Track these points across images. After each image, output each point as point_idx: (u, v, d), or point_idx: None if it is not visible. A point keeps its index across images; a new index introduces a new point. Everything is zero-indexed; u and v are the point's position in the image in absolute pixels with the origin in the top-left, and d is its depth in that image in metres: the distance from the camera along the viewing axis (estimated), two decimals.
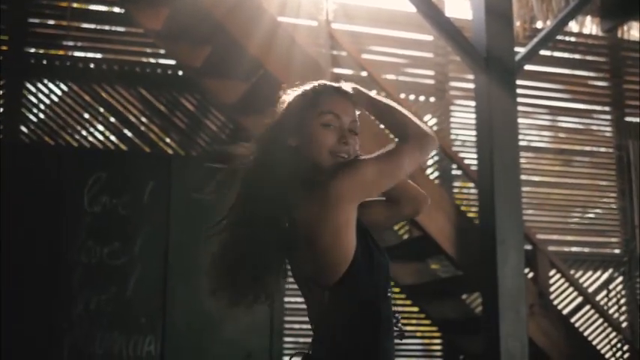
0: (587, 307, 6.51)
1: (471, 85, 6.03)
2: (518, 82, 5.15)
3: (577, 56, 7.23)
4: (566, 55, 7.17)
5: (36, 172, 5.05)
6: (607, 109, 7.21)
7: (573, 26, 7.17)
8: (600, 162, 7.10)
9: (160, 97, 6.00)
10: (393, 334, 1.95)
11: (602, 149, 7.14)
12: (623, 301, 6.64)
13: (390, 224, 2.17)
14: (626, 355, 6.29)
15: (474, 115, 5.32)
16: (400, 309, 6.40)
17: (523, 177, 5.80)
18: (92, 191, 5.11)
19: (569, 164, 7.05)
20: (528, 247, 5.39)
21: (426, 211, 2.22)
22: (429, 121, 6.61)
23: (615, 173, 7.05)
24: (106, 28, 5.99)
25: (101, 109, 5.88)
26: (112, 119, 5.91)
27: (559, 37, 6.69)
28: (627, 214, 6.92)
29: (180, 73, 5.99)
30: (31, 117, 5.73)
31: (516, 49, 4.98)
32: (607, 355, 6.16)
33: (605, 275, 6.84)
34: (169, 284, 5.13)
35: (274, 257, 2.05)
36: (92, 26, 5.97)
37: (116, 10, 5.96)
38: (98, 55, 5.97)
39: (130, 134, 5.91)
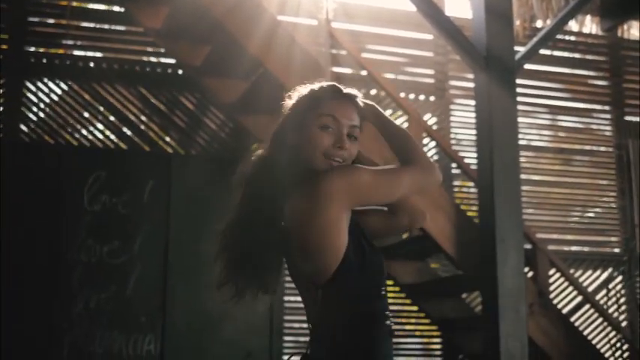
0: (587, 306, 6.51)
1: (471, 84, 6.03)
2: (518, 81, 5.15)
3: (577, 55, 7.22)
4: (566, 54, 7.16)
5: (36, 170, 5.06)
6: (607, 108, 7.21)
7: (573, 25, 7.17)
8: (600, 161, 7.10)
9: (159, 96, 6.00)
10: (387, 332, 1.94)
11: (602, 148, 7.14)
12: (622, 300, 6.64)
13: (388, 234, 2.17)
14: (625, 355, 6.29)
15: (473, 114, 5.32)
16: (400, 308, 6.36)
17: (523, 176, 5.80)
18: (92, 190, 5.12)
19: (569, 163, 7.05)
20: (528, 246, 5.39)
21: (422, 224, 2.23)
22: (429, 120, 6.60)
23: (615, 172, 7.05)
24: (106, 27, 5.99)
25: (101, 108, 5.88)
26: (112, 118, 5.91)
27: (559, 36, 6.69)
28: (627, 213, 6.92)
29: (180, 72, 5.99)
30: (31, 116, 5.73)
31: (516, 48, 4.98)
32: (607, 355, 6.16)
33: (605, 274, 6.84)
34: (169, 283, 5.13)
35: (272, 256, 2.05)
36: (92, 25, 5.97)
37: (116, 8, 5.95)
38: (98, 54, 5.97)
39: (129, 133, 5.91)
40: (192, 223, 5.24)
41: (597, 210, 7.03)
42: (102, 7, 6.00)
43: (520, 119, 5.58)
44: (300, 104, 2.06)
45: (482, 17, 4.80)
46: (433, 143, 6.33)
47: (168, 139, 5.99)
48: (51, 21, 5.93)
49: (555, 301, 6.40)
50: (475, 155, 5.06)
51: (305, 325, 2.05)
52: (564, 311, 6.37)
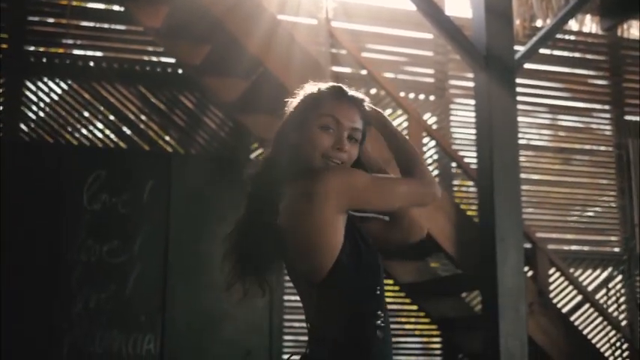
0: (587, 305, 6.51)
1: (471, 84, 6.03)
2: (518, 80, 5.15)
3: (577, 55, 7.22)
4: (565, 53, 7.16)
5: (36, 170, 5.05)
6: (607, 107, 7.20)
7: (573, 25, 7.16)
8: (600, 160, 7.09)
9: (159, 95, 6.00)
10: (382, 331, 1.93)
11: (602, 148, 7.14)
12: (622, 299, 6.64)
13: (386, 245, 2.14)
14: (625, 354, 6.28)
15: (473, 114, 5.32)
16: (399, 307, 6.36)
17: (523, 175, 5.80)
18: (92, 189, 5.12)
19: (568, 163, 7.04)
20: (528, 245, 5.39)
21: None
22: (429, 120, 6.60)
23: (615, 172, 7.05)
24: (106, 26, 5.99)
25: (101, 108, 5.88)
26: (112, 117, 5.90)
27: (559, 36, 6.68)
28: (627, 213, 6.92)
29: (180, 71, 5.99)
30: (31, 115, 5.73)
31: (516, 47, 4.98)
32: (606, 354, 6.16)
33: (605, 274, 6.84)
34: (169, 282, 5.13)
35: (271, 256, 2.05)
36: (92, 24, 5.97)
37: (115, 8, 5.95)
38: (98, 54, 5.97)
39: (129, 132, 5.91)
40: (192, 222, 5.24)
41: (597, 209, 7.03)
42: (102, 6, 6.00)
43: (520, 118, 5.58)
44: (303, 103, 2.05)
45: (482, 16, 4.81)
46: (433, 143, 6.33)
47: (168, 138, 5.99)
48: (51, 20, 5.93)
49: (555, 301, 6.40)
50: (475, 154, 5.06)
51: (305, 325, 2.04)
52: (564, 310, 6.38)
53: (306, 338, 2.00)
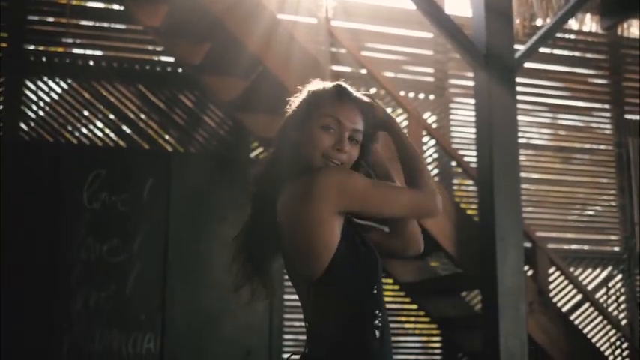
0: (587, 304, 6.51)
1: (471, 83, 6.03)
2: (518, 79, 5.15)
3: (577, 54, 7.22)
4: (565, 52, 7.16)
5: (36, 169, 5.05)
6: (607, 106, 7.20)
7: (573, 24, 7.16)
8: (600, 159, 7.09)
9: (159, 94, 6.00)
10: (380, 331, 1.92)
11: (602, 147, 7.14)
12: (622, 298, 6.64)
13: (384, 254, 2.11)
14: (625, 353, 6.28)
15: (473, 113, 5.32)
16: (399, 306, 6.35)
17: (522, 174, 5.80)
18: (92, 188, 5.11)
19: (568, 162, 7.04)
20: (528, 244, 5.39)
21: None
22: (429, 119, 6.60)
23: (615, 171, 7.05)
24: (106, 25, 5.98)
25: (101, 107, 5.88)
26: (112, 116, 5.90)
27: (559, 35, 6.68)
28: (627, 212, 6.92)
29: (180, 70, 5.99)
30: (31, 114, 5.73)
31: (516, 46, 4.98)
32: (606, 353, 6.16)
33: (605, 273, 6.84)
34: (169, 281, 5.13)
35: (274, 255, 2.05)
36: (91, 23, 5.97)
37: (115, 7, 5.95)
38: (97, 53, 5.97)
39: (129, 131, 5.91)
40: (191, 221, 5.24)
41: (597, 208, 7.03)
42: (101, 5, 6.00)
43: (520, 117, 5.58)
44: (305, 102, 2.05)
45: (482, 15, 4.81)
46: (433, 142, 6.33)
47: (167, 137, 5.99)
48: (51, 19, 5.93)
49: (555, 300, 6.40)
50: (475, 154, 5.06)
51: (304, 324, 2.04)
52: (564, 309, 6.38)
53: (305, 337, 2.00)
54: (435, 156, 6.59)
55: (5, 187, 4.90)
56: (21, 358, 4.78)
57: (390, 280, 5.99)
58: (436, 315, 6.09)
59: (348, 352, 1.89)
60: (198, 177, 5.34)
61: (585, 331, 6.44)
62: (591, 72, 7.28)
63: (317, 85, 2.08)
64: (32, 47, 5.83)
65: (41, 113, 5.76)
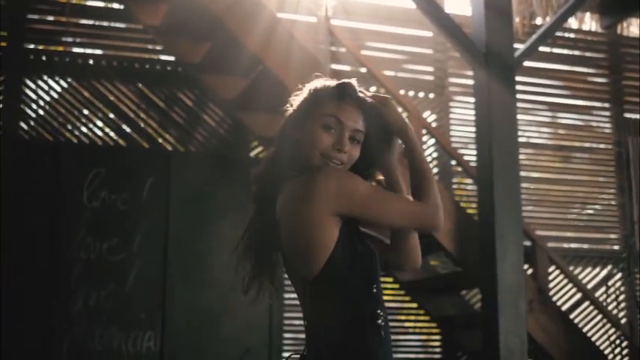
0: (587, 303, 6.51)
1: (471, 82, 6.03)
2: (518, 78, 5.15)
3: (576, 52, 7.22)
4: (565, 51, 7.16)
5: (35, 168, 5.05)
6: (606, 105, 7.20)
7: (573, 22, 7.16)
8: (599, 158, 7.10)
9: (159, 93, 6.00)
10: (379, 331, 1.91)
11: (602, 145, 7.14)
12: (622, 297, 6.65)
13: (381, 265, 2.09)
14: (624, 352, 6.29)
15: (473, 112, 5.32)
16: (399, 305, 6.33)
17: (522, 173, 5.80)
18: (91, 187, 5.12)
19: (568, 160, 7.04)
20: (527, 243, 5.40)
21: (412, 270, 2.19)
22: (429, 118, 6.60)
23: (614, 169, 7.05)
24: (105, 24, 5.98)
25: (100, 105, 5.88)
26: (112, 115, 5.90)
27: (558, 34, 6.68)
28: (626, 211, 6.92)
29: (180, 69, 5.98)
30: (31, 113, 5.72)
31: (516, 45, 4.98)
32: (606, 352, 6.16)
33: (604, 271, 6.84)
34: (169, 280, 5.13)
35: (276, 253, 2.05)
36: (91, 22, 5.96)
37: (115, 6, 5.95)
38: (97, 51, 5.97)
39: (129, 130, 5.91)
40: (191, 220, 5.24)
41: (597, 207, 7.03)
42: (101, 4, 6.00)
43: (519, 116, 5.57)
44: (306, 101, 2.04)
45: (482, 14, 4.81)
46: (432, 140, 6.33)
47: (167, 136, 5.99)
48: (50, 18, 5.92)
49: (555, 298, 6.40)
50: (475, 152, 5.06)
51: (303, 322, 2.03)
52: (564, 308, 6.38)
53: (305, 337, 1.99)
54: (435, 155, 6.59)
55: (5, 186, 4.90)
56: (21, 357, 4.78)
57: (390, 279, 5.99)
58: (436, 314, 6.09)
59: (349, 353, 1.88)
60: (198, 176, 5.34)
61: (585, 329, 6.44)
62: (591, 71, 7.27)
63: (319, 83, 2.06)
64: (32, 46, 5.83)
65: (41, 112, 5.76)
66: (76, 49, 5.91)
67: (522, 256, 4.65)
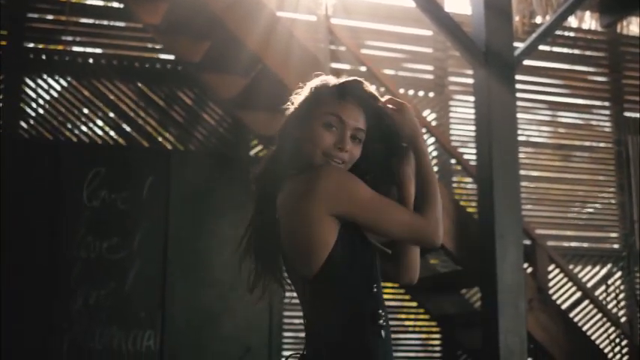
0: (586, 302, 6.51)
1: (470, 80, 6.03)
2: (518, 77, 5.15)
3: (576, 51, 7.21)
4: (565, 50, 7.15)
5: (35, 167, 5.06)
6: (606, 104, 7.20)
7: (572, 21, 7.16)
8: (599, 157, 7.09)
9: (158, 92, 6.00)
10: (379, 331, 1.90)
11: (602, 144, 7.14)
12: (621, 296, 6.64)
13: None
14: (624, 350, 6.29)
15: (473, 110, 5.32)
16: (399, 304, 6.32)
17: (522, 172, 5.80)
18: (91, 186, 5.12)
19: (568, 159, 7.04)
20: (527, 242, 5.40)
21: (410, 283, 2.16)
22: (429, 116, 6.60)
23: (614, 168, 7.05)
24: (105, 22, 5.98)
25: (100, 104, 5.88)
26: (111, 114, 5.90)
27: (558, 32, 6.67)
28: (626, 209, 6.92)
29: (179, 67, 5.98)
30: (30, 112, 5.72)
31: (515, 44, 4.98)
32: (606, 350, 6.16)
33: (604, 270, 6.84)
34: (168, 279, 5.13)
35: (278, 251, 2.04)
36: (91, 21, 5.96)
37: (115, 4, 5.95)
38: (97, 50, 5.97)
39: (129, 129, 5.91)
40: (191, 218, 5.24)
41: (596, 206, 7.03)
42: (101, 3, 6.00)
43: (519, 115, 5.58)
44: (308, 99, 2.02)
45: (482, 13, 4.81)
46: (432, 139, 6.33)
47: (167, 135, 5.99)
48: (50, 17, 5.92)
49: (554, 297, 6.40)
50: (474, 151, 5.06)
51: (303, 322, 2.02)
52: (563, 307, 6.38)
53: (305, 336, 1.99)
54: (435, 153, 6.58)
55: (5, 185, 4.90)
56: (21, 356, 4.79)
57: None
58: (436, 312, 6.09)
59: (349, 352, 1.87)
60: (197, 175, 5.34)
61: (585, 328, 6.44)
62: (591, 69, 7.27)
63: (321, 80, 2.05)
64: (32, 45, 5.82)
65: (41, 111, 5.75)
66: (75, 48, 5.91)
67: (522, 255, 4.65)
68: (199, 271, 5.17)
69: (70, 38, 5.87)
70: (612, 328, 6.39)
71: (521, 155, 5.60)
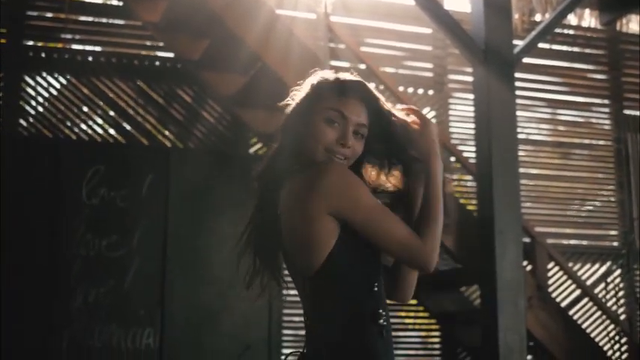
0: (586, 299, 6.51)
1: (470, 78, 6.02)
2: (517, 74, 5.14)
3: (576, 49, 7.21)
4: (564, 47, 7.15)
5: (35, 165, 5.06)
6: (606, 101, 7.20)
7: (572, 19, 7.15)
8: (599, 155, 7.09)
9: (158, 90, 5.99)
10: (380, 330, 1.89)
11: (601, 142, 7.14)
12: (621, 293, 6.65)
13: None
14: (624, 348, 6.29)
15: (472, 108, 5.32)
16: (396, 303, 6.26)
17: (521, 170, 5.80)
18: (91, 184, 5.12)
19: (567, 157, 7.04)
20: (527, 239, 5.39)
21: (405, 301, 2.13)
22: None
23: (614, 166, 7.05)
24: (104, 20, 5.98)
25: (100, 102, 5.87)
26: (111, 112, 5.90)
27: (558, 30, 6.67)
28: (625, 207, 6.92)
29: (179, 65, 5.98)
30: (30, 110, 5.72)
31: (515, 41, 4.98)
32: (605, 348, 6.17)
33: (604, 268, 6.84)
34: (168, 277, 5.14)
35: (278, 248, 2.03)
36: (90, 19, 5.96)
37: (114, 2, 5.95)
38: (96, 48, 5.96)
39: (128, 127, 5.90)
40: (190, 216, 5.24)
41: (596, 203, 7.03)
42: (100, 0, 5.99)
43: (519, 113, 5.57)
44: (309, 95, 2.00)
45: (481, 11, 4.80)
46: None
47: (166, 132, 5.99)
48: (49, 15, 5.92)
49: (554, 295, 6.40)
50: (474, 149, 5.06)
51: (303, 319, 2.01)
52: (563, 305, 6.38)
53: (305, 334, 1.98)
54: None
55: (4, 183, 4.90)
56: (21, 353, 4.79)
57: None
58: (435, 310, 6.10)
59: (348, 352, 1.86)
60: (197, 172, 5.34)
61: (584, 326, 6.44)
62: (590, 67, 7.27)
63: (322, 76, 2.03)
64: (31, 43, 5.82)
65: (40, 109, 5.75)
66: (75, 46, 5.91)
67: (521, 253, 4.65)
68: (198, 269, 5.17)
69: (69, 36, 5.86)
70: (612, 326, 6.39)
71: (520, 153, 5.60)
